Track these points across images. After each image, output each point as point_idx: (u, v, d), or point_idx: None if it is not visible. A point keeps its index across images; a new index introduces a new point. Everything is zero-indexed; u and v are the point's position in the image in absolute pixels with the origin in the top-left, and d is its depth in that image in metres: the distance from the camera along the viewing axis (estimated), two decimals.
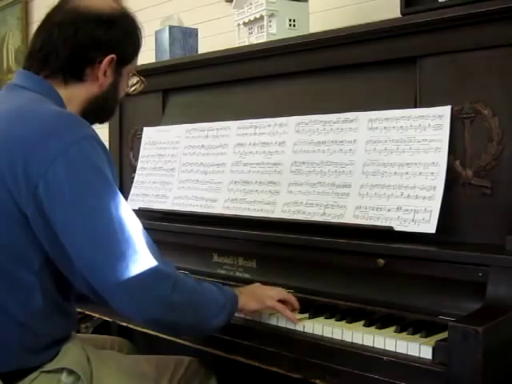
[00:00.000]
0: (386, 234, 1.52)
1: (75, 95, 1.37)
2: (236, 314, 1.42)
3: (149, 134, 2.32)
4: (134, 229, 1.23)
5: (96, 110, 1.39)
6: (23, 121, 1.25)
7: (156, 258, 1.23)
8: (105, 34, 1.35)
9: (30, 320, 1.26)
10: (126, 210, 1.23)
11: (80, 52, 1.34)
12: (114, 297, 1.22)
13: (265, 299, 1.44)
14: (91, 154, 1.22)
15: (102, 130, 1.69)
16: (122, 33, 1.38)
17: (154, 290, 1.21)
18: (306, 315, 1.46)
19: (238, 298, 1.39)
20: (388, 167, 1.58)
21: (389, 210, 1.54)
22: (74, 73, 1.36)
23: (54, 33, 1.34)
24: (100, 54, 1.36)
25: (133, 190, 2.29)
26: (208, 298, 1.32)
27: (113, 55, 1.37)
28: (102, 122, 1.51)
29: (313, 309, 1.50)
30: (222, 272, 1.83)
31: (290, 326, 1.44)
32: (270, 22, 2.06)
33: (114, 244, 1.19)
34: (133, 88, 1.52)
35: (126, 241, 1.20)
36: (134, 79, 1.51)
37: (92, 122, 1.38)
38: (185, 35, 2.49)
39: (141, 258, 1.20)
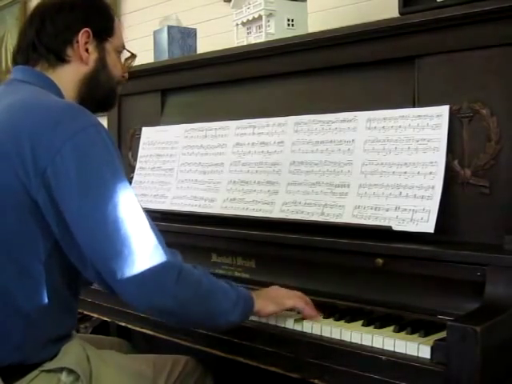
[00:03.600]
0: (385, 233, 1.52)
1: (65, 77, 1.41)
2: (253, 318, 1.43)
3: (147, 133, 2.32)
4: (140, 217, 1.25)
5: (92, 91, 1.41)
6: (29, 111, 1.28)
7: (162, 246, 1.25)
8: (69, 14, 1.41)
9: (34, 313, 1.27)
10: (131, 198, 1.26)
11: (53, 36, 1.40)
12: (119, 284, 1.22)
13: (283, 301, 1.42)
14: (98, 141, 1.25)
15: None
16: (85, 9, 1.43)
17: (158, 280, 1.22)
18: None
19: (253, 299, 1.37)
20: (386, 167, 1.58)
21: (387, 210, 1.54)
22: (56, 56, 1.41)
23: (26, 30, 1.44)
24: (73, 33, 1.41)
25: None
26: (216, 292, 1.31)
27: (86, 29, 1.41)
28: (104, 107, 1.54)
29: None
30: (221, 272, 1.82)
31: (289, 325, 1.44)
32: (269, 21, 2.06)
33: (120, 233, 1.20)
34: (127, 62, 1.55)
35: (133, 230, 1.21)
36: (127, 56, 1.54)
37: (95, 110, 1.41)
38: (183, 35, 2.49)
39: (146, 247, 1.22)
